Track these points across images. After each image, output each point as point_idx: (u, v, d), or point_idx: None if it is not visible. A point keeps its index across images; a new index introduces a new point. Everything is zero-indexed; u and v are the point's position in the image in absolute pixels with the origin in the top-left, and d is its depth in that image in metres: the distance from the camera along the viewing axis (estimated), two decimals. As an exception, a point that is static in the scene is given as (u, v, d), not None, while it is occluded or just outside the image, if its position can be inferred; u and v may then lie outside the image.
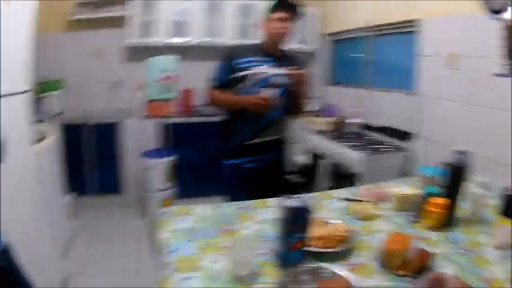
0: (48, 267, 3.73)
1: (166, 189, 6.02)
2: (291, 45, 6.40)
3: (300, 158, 6.61)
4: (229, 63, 3.58)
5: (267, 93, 3.38)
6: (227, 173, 3.74)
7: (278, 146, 3.80)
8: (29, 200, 3.48)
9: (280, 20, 3.51)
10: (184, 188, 6.16)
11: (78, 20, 6.45)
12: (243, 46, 4.05)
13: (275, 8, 3.56)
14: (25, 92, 3.41)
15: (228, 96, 3.61)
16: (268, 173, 3.71)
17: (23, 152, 3.45)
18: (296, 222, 1.91)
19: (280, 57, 3.68)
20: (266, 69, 3.53)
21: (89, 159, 6.19)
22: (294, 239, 1.92)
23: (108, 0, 6.45)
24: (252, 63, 3.54)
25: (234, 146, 3.66)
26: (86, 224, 5.66)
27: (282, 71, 3.52)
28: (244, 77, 3.52)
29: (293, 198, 1.96)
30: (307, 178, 6.08)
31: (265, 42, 3.69)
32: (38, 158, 3.89)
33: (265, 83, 3.51)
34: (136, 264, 4.74)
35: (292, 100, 3.69)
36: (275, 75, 3.53)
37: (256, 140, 3.62)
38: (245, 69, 3.52)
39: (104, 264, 4.68)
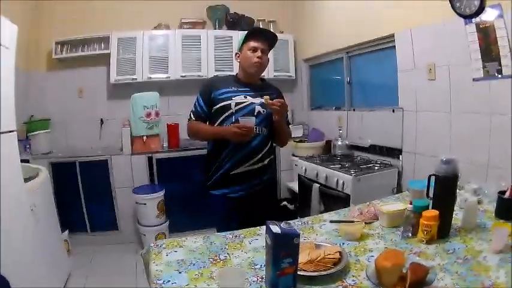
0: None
1: (159, 224, 6.01)
2: (269, 73, 6.42)
3: (291, 185, 6.59)
4: (209, 95, 3.61)
5: (245, 121, 3.36)
6: (215, 203, 3.71)
7: (264, 174, 3.76)
8: (26, 237, 3.48)
9: (253, 50, 3.55)
10: (176, 221, 6.15)
11: (60, 59, 6.49)
12: (220, 78, 4.15)
13: (247, 38, 3.60)
14: (11, 131, 3.41)
15: (207, 128, 3.65)
16: (256, 201, 3.66)
17: (17, 189, 3.48)
18: (283, 247, 1.87)
19: (258, 86, 3.71)
20: (244, 99, 3.56)
21: (79, 197, 6.15)
22: (283, 265, 1.88)
23: (88, 39, 6.51)
24: (230, 94, 3.57)
25: (220, 175, 3.64)
26: (80, 261, 5.62)
27: (260, 99, 3.55)
28: (223, 108, 3.54)
29: (279, 224, 1.93)
30: (299, 204, 6.07)
31: (241, 73, 3.72)
32: (31, 195, 3.90)
33: (244, 112, 3.52)
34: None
35: (275, 128, 3.71)
36: (252, 103, 3.56)
37: (242, 169, 3.59)
38: (224, 100, 3.55)
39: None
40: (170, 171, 6.44)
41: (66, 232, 5.55)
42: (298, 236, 1.88)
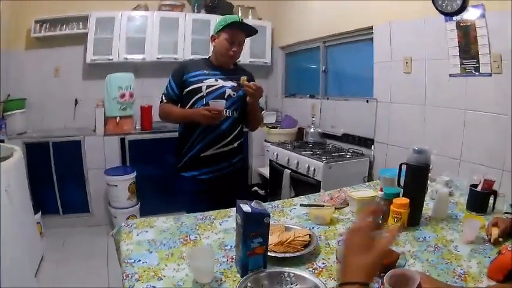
0: (22, 285, 3.70)
1: (130, 206, 6.00)
2: (245, 59, 6.40)
3: (262, 170, 6.59)
4: (180, 78, 3.61)
5: (215, 104, 3.37)
6: (184, 185, 3.73)
7: (234, 157, 3.77)
8: (1, 219, 3.41)
9: (231, 42, 3.54)
10: (147, 203, 6.13)
11: (38, 38, 6.41)
12: (193, 61, 4.16)
13: (227, 27, 3.56)
14: None
15: (178, 110, 3.65)
16: (226, 184, 3.67)
17: None
18: (254, 227, 1.87)
19: (230, 70, 3.72)
20: (215, 82, 3.57)
21: (52, 178, 6.08)
22: (253, 245, 1.88)
23: (68, 18, 6.44)
24: (201, 77, 3.57)
25: (190, 158, 3.65)
26: (53, 243, 5.58)
27: (231, 83, 3.59)
28: (194, 91, 3.55)
29: (250, 203, 1.93)
30: (270, 190, 6.08)
31: (214, 57, 3.71)
32: (6, 175, 3.85)
33: (215, 95, 3.53)
34: (106, 282, 4.69)
35: (248, 111, 3.72)
36: (223, 87, 3.57)
37: (211, 151, 3.60)
38: (195, 82, 3.55)
39: (73, 283, 4.62)
40: (142, 153, 6.42)
41: (39, 214, 5.49)
42: (268, 215, 1.88)
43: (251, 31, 3.68)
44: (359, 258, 1.33)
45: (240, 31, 3.57)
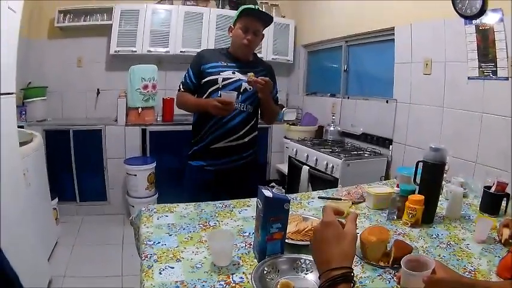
0: (35, 269, 3.74)
1: (148, 196, 6.06)
2: (268, 56, 6.44)
3: (281, 166, 6.63)
4: (198, 68, 3.63)
5: (227, 96, 3.37)
6: (191, 173, 3.78)
7: (245, 151, 3.77)
8: (18, 202, 3.46)
9: (245, 30, 3.55)
10: (165, 194, 6.15)
11: (62, 28, 6.49)
12: (211, 50, 4.15)
13: (241, 15, 3.59)
14: (10, 94, 3.39)
15: (192, 99, 3.67)
16: (235, 177, 3.69)
17: (12, 153, 3.45)
18: (273, 212, 1.92)
19: (248, 62, 3.73)
20: (232, 75, 3.58)
21: (71, 166, 6.16)
22: (272, 230, 1.93)
23: (92, 9, 6.49)
24: (219, 68, 3.59)
25: (200, 148, 3.69)
26: (68, 229, 5.64)
27: (246, 76, 3.58)
28: (210, 82, 3.57)
29: (271, 189, 1.97)
30: (288, 185, 6.11)
31: (232, 48, 3.73)
32: (25, 160, 3.92)
33: (231, 88, 3.54)
34: (119, 269, 4.73)
35: (261, 105, 3.75)
36: (240, 80, 3.58)
37: (222, 144, 3.62)
38: (212, 74, 3.57)
39: (86, 268, 4.67)
40: (162, 144, 6.47)
41: (56, 200, 5.52)
42: (288, 201, 1.93)
43: (266, 18, 3.66)
44: (338, 247, 1.41)
45: (253, 19, 3.56)
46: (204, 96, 3.60)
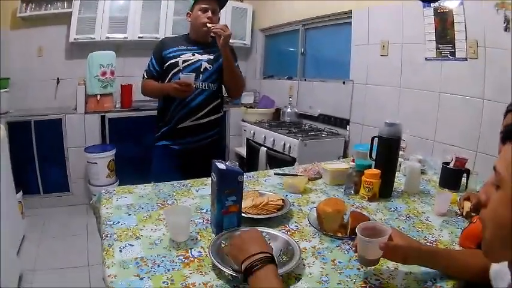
0: (5, 265, 3.68)
1: (109, 184, 6.03)
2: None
3: (239, 150, 6.67)
4: (160, 54, 3.74)
5: (185, 78, 3.47)
6: (156, 153, 3.89)
7: (210, 129, 3.87)
8: None
9: (204, 10, 3.64)
10: (126, 181, 5.95)
11: (24, 18, 6.40)
12: (171, 37, 4.27)
13: (196, 1, 3.69)
14: None
15: (155, 84, 3.77)
16: (200, 155, 3.73)
17: None
18: (228, 185, 1.94)
19: (207, 44, 3.81)
20: (191, 57, 3.69)
21: (33, 158, 6.11)
22: (227, 203, 1.95)
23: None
24: (178, 52, 3.70)
25: (168, 129, 3.77)
26: (33, 223, 5.61)
27: (208, 56, 3.72)
28: (171, 65, 3.67)
29: (225, 162, 2.00)
30: (246, 168, 6.09)
31: (192, 32, 3.83)
32: None
33: (191, 69, 3.64)
34: (86, 259, 4.74)
35: (224, 68, 3.76)
36: (200, 60, 3.69)
37: (188, 123, 3.71)
38: (172, 58, 3.68)
39: (54, 261, 4.65)
40: (122, 131, 6.47)
41: (20, 193, 5.49)
42: (242, 174, 1.96)
43: None
44: (252, 242, 1.55)
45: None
46: (166, 80, 3.69)
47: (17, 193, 5.20)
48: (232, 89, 3.98)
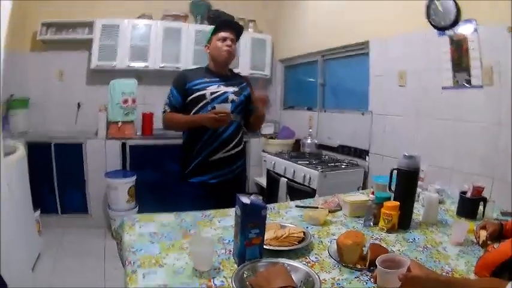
0: (20, 280, 3.75)
1: (129, 209, 6.04)
2: (245, 71, 6.49)
3: (259, 180, 6.65)
4: (183, 87, 3.71)
5: (222, 107, 3.48)
6: (192, 190, 3.80)
7: (239, 159, 3.89)
8: (1, 212, 3.43)
9: (223, 40, 3.69)
10: (145, 207, 6.01)
11: (44, 41, 6.50)
12: (192, 70, 4.19)
13: (216, 30, 3.75)
14: None
15: (184, 117, 3.72)
16: (228, 188, 3.67)
17: None
18: (251, 218, 1.97)
19: (228, 77, 3.86)
20: (217, 88, 3.69)
21: (52, 178, 6.15)
22: (250, 235, 1.98)
23: (74, 23, 6.54)
24: (204, 84, 3.68)
25: (198, 163, 3.74)
26: (50, 241, 5.59)
27: (233, 88, 3.75)
28: (198, 98, 3.66)
29: (249, 196, 2.02)
30: (266, 198, 6.07)
31: (212, 64, 3.84)
32: (8, 171, 3.91)
33: (219, 100, 3.64)
34: (102, 280, 4.74)
35: (255, 113, 3.88)
36: (226, 92, 3.70)
37: (219, 155, 3.69)
38: (199, 90, 3.66)
39: (70, 279, 4.67)
40: (142, 158, 6.48)
41: (38, 212, 5.53)
42: (265, 208, 2.00)
43: (237, 26, 3.88)
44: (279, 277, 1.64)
45: (227, 29, 3.75)
46: (192, 112, 3.68)
47: (35, 211, 5.27)
48: (254, 127, 4.12)
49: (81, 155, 6.21)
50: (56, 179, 6.18)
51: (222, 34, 3.69)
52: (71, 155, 6.20)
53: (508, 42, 3.39)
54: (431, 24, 4.04)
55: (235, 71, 4.13)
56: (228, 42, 3.67)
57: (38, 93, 6.62)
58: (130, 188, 6.06)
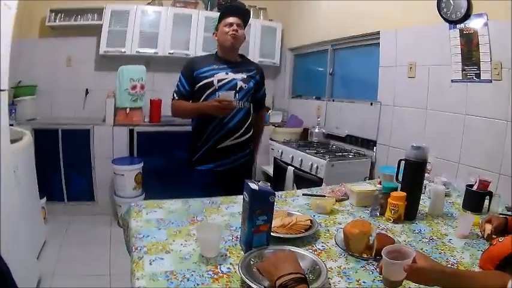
0: (25, 267, 3.75)
1: (135, 196, 6.05)
2: (255, 58, 6.48)
3: (266, 168, 6.66)
4: (191, 74, 3.75)
5: (225, 95, 3.52)
6: (200, 178, 3.84)
7: (248, 147, 3.93)
8: (8, 200, 3.43)
9: (229, 25, 3.70)
10: (152, 194, 5.91)
11: (53, 27, 6.51)
12: (201, 57, 4.28)
13: (222, 15, 3.78)
14: (2, 90, 3.38)
15: (190, 105, 3.78)
16: (237, 174, 3.72)
17: (4, 148, 3.44)
18: (259, 204, 1.97)
19: (238, 63, 3.88)
20: (225, 76, 3.71)
21: (59, 165, 6.16)
22: (258, 222, 1.99)
23: (83, 9, 6.52)
24: (212, 71, 3.70)
25: (206, 150, 3.77)
26: (56, 229, 5.64)
27: (241, 75, 3.77)
28: (206, 85, 3.68)
29: (257, 182, 2.03)
30: (273, 186, 6.06)
31: (220, 50, 3.86)
32: (15, 157, 3.90)
33: (227, 88, 3.66)
34: (107, 267, 4.76)
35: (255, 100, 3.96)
36: (234, 79, 3.72)
37: (228, 143, 3.73)
38: (206, 77, 3.69)
39: (75, 266, 4.69)
40: (150, 145, 6.48)
41: (44, 199, 5.57)
42: (274, 194, 2.00)
43: (243, 11, 3.91)
44: (287, 262, 1.63)
45: (233, 14, 3.76)
46: (201, 100, 3.72)
47: (41, 199, 5.30)
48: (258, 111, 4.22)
49: (88, 141, 6.21)
50: (63, 166, 6.18)
51: (228, 20, 3.71)
52: (78, 141, 6.20)
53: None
54: (442, 17, 4.03)
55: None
56: (234, 27, 3.68)
57: (46, 80, 6.63)
58: (137, 175, 6.07)
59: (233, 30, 3.66)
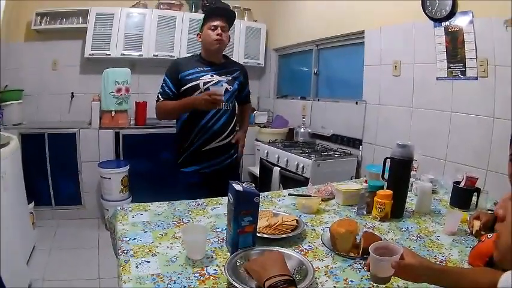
0: (15, 273, 3.74)
1: (122, 200, 6.03)
2: (239, 59, 6.50)
3: (252, 169, 6.67)
4: (176, 76, 3.73)
5: (215, 89, 3.49)
6: (184, 179, 3.84)
7: (231, 150, 3.95)
8: None
9: (214, 28, 3.69)
10: (139, 197, 5.91)
11: (38, 31, 6.48)
12: (185, 59, 4.25)
13: (207, 18, 3.75)
14: None
15: (175, 102, 3.73)
16: (222, 176, 3.63)
17: None
18: (244, 205, 1.96)
19: (222, 64, 3.88)
20: (211, 78, 3.71)
21: (46, 170, 6.13)
22: (243, 223, 1.98)
23: (68, 12, 6.49)
24: (197, 74, 3.71)
25: (191, 153, 3.78)
26: (44, 234, 5.62)
27: (226, 77, 3.79)
28: (192, 88, 3.68)
29: (242, 184, 2.02)
30: (259, 187, 6.08)
31: (204, 52, 3.86)
32: (2, 163, 3.88)
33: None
34: (96, 272, 4.75)
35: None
36: (219, 81, 3.72)
37: (213, 145, 3.74)
38: (192, 80, 3.69)
39: (65, 271, 4.69)
40: (136, 148, 6.47)
41: (32, 204, 5.51)
42: (258, 195, 1.99)
43: (228, 14, 3.88)
44: (275, 264, 1.64)
45: (218, 17, 3.73)
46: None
47: (28, 204, 5.26)
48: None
49: (75, 145, 6.18)
50: (50, 170, 6.15)
51: (213, 23, 3.69)
52: (65, 145, 6.18)
53: (503, 35, 3.41)
54: (427, 15, 4.05)
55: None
56: (219, 31, 3.67)
57: (32, 83, 6.59)
58: (123, 177, 6.06)
59: (217, 35, 3.66)
